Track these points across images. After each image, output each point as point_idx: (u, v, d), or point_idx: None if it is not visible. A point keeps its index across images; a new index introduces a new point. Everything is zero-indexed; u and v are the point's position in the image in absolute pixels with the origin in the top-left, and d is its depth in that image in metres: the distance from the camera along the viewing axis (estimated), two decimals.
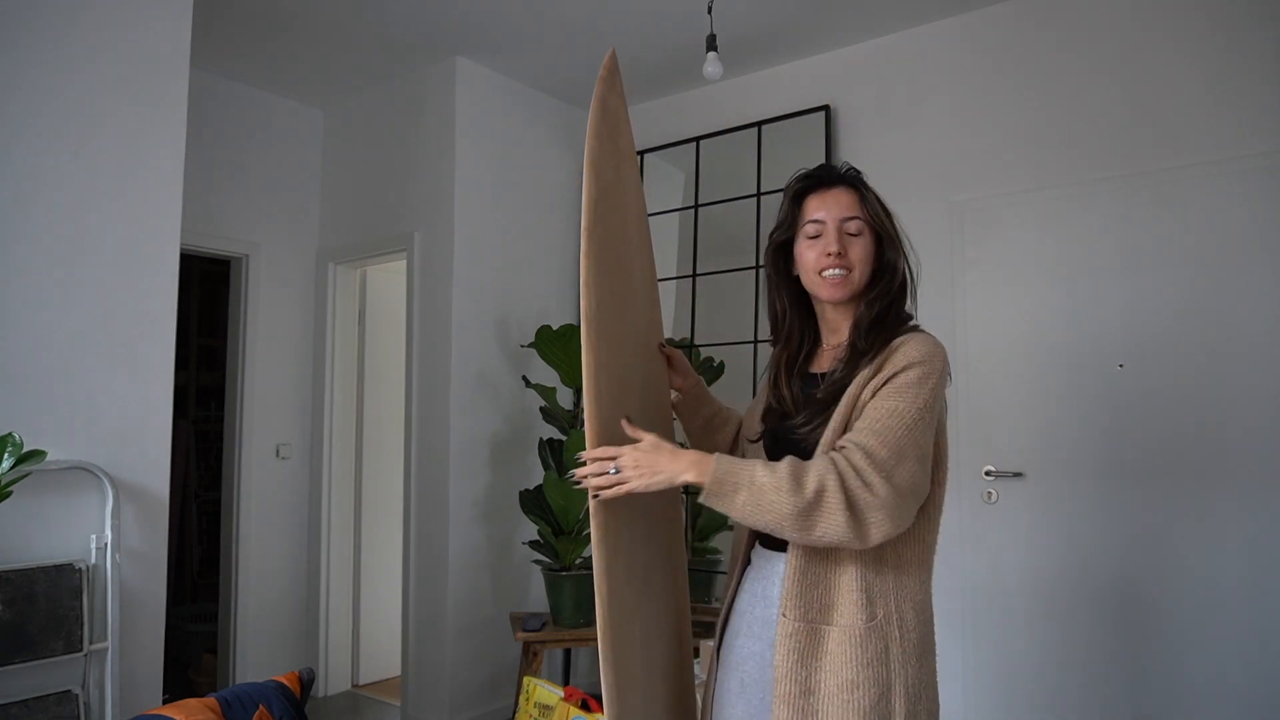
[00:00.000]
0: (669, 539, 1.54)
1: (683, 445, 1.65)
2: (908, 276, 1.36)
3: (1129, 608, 2.69)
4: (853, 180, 1.37)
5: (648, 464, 1.19)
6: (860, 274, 1.33)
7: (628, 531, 1.29)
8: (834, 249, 1.32)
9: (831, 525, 1.13)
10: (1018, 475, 2.91)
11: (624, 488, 1.19)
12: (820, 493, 1.13)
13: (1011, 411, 2.94)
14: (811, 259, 1.34)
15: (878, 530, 1.13)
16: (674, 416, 1.66)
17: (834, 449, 1.21)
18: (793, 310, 1.43)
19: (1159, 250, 2.70)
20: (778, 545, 1.35)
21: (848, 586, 1.21)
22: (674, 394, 1.64)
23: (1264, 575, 2.48)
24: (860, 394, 1.24)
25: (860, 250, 1.33)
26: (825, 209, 1.34)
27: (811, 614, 1.21)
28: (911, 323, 1.35)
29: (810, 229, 1.35)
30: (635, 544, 1.33)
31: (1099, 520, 2.75)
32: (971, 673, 2.95)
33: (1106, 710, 2.69)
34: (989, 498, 2.95)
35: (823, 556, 1.23)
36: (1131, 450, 2.70)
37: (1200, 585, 2.57)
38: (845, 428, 1.24)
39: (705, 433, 1.61)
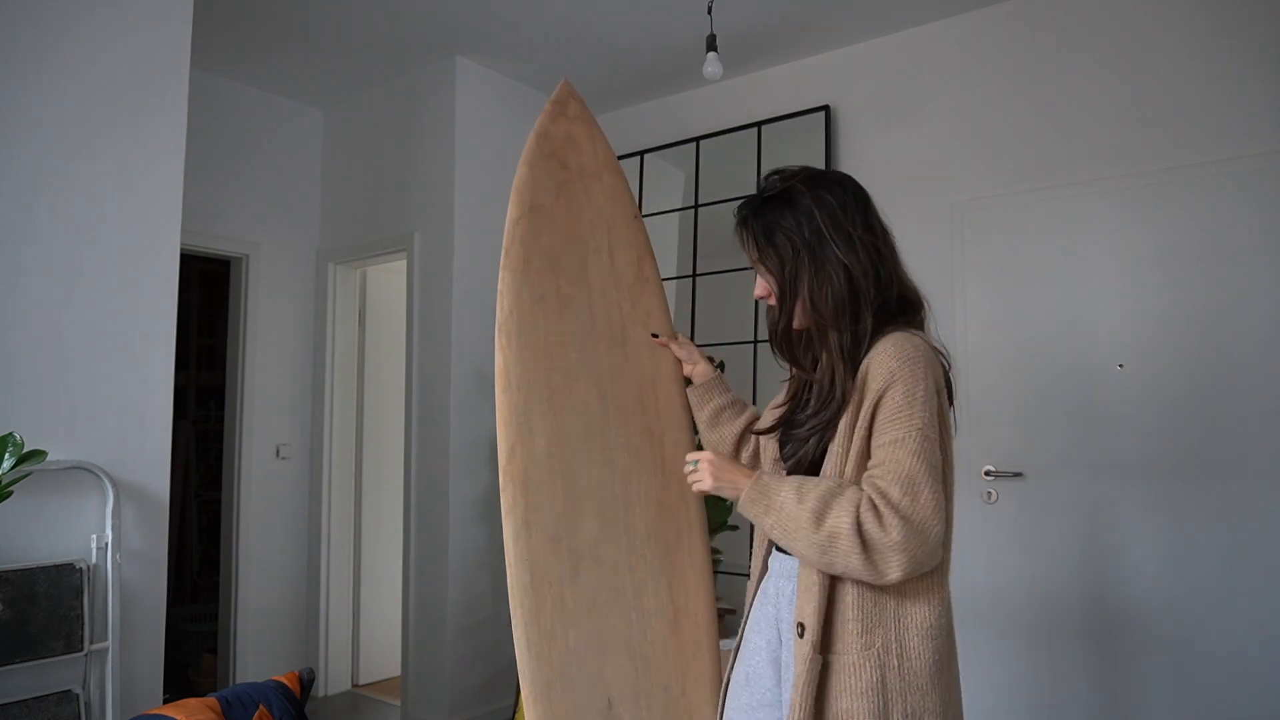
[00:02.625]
0: (650, 518, 1.59)
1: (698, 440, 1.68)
2: (840, 288, 1.25)
3: (1130, 607, 2.69)
4: (744, 223, 1.35)
5: (720, 470, 1.32)
6: (785, 307, 1.32)
7: (551, 507, 1.46)
8: (757, 293, 1.37)
9: (848, 564, 1.14)
10: (1017, 475, 2.91)
11: (699, 485, 1.34)
12: (835, 535, 1.14)
13: (1011, 411, 2.94)
14: None
15: (895, 570, 1.13)
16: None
17: (862, 482, 1.19)
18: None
19: (1159, 250, 2.70)
20: (780, 545, 1.36)
21: (846, 615, 1.20)
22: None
23: (1267, 574, 2.48)
24: (856, 421, 1.21)
25: (771, 288, 1.34)
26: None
27: (825, 644, 1.21)
28: (892, 327, 1.26)
29: None
30: (569, 518, 1.48)
31: (1099, 520, 2.75)
32: (971, 674, 2.95)
33: (1108, 713, 2.69)
34: (989, 498, 2.95)
35: (830, 586, 1.21)
36: (1131, 450, 2.70)
37: (1202, 585, 2.57)
38: (848, 452, 1.22)
39: (712, 424, 1.60)
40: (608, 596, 1.49)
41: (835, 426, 1.24)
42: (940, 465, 1.17)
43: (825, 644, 1.21)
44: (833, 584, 1.21)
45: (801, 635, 1.22)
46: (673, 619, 1.57)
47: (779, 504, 1.21)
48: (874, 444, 1.19)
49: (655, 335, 1.66)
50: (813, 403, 1.30)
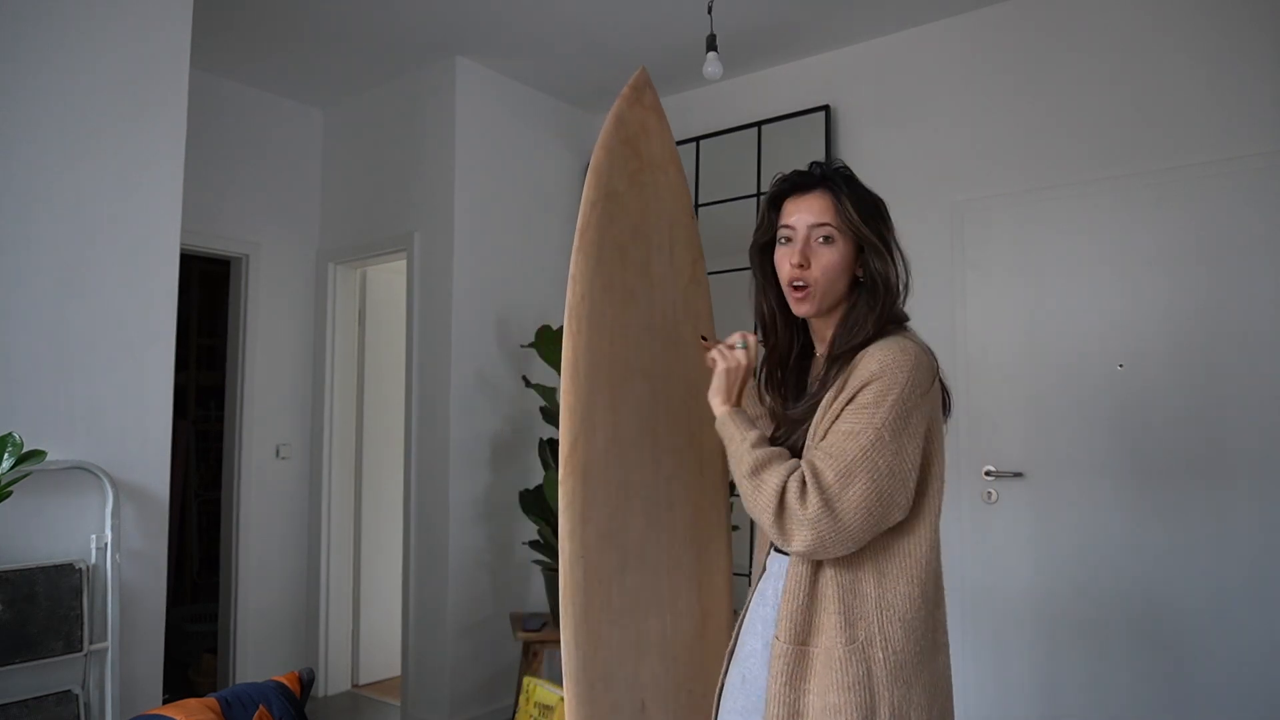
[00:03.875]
0: (688, 519, 1.58)
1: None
2: (895, 282, 1.29)
3: (1130, 608, 2.68)
4: (831, 182, 1.31)
5: (733, 382, 1.37)
6: (826, 286, 1.28)
7: (604, 503, 1.40)
8: (797, 259, 1.28)
9: (763, 518, 1.20)
10: (1018, 475, 2.91)
11: (716, 369, 1.38)
12: (761, 487, 1.20)
13: (1011, 411, 2.94)
14: (783, 270, 1.32)
15: (798, 543, 1.16)
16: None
17: (804, 455, 1.25)
18: (780, 313, 1.40)
19: (1159, 250, 2.70)
20: (778, 547, 1.36)
21: (827, 609, 1.20)
22: None
23: (1267, 575, 2.47)
24: (832, 406, 1.22)
25: (828, 260, 1.28)
26: (798, 215, 1.30)
27: (801, 635, 1.21)
28: (892, 329, 1.28)
29: (783, 234, 1.33)
30: (620, 516, 1.43)
31: (1099, 520, 2.75)
32: (971, 675, 2.95)
33: (1108, 714, 2.69)
34: (989, 498, 2.95)
35: (810, 578, 1.22)
36: (1131, 450, 2.70)
37: (1202, 586, 2.57)
38: (816, 434, 1.25)
39: None
40: (648, 597, 1.47)
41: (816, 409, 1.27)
42: (900, 470, 1.17)
43: (806, 637, 1.21)
44: (815, 577, 1.22)
45: (779, 637, 1.23)
46: (699, 621, 1.57)
47: (739, 438, 1.28)
48: (832, 428, 1.20)
49: (704, 339, 1.64)
50: (816, 386, 1.31)
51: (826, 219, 1.28)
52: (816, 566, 1.22)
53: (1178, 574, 2.61)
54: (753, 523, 1.51)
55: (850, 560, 1.21)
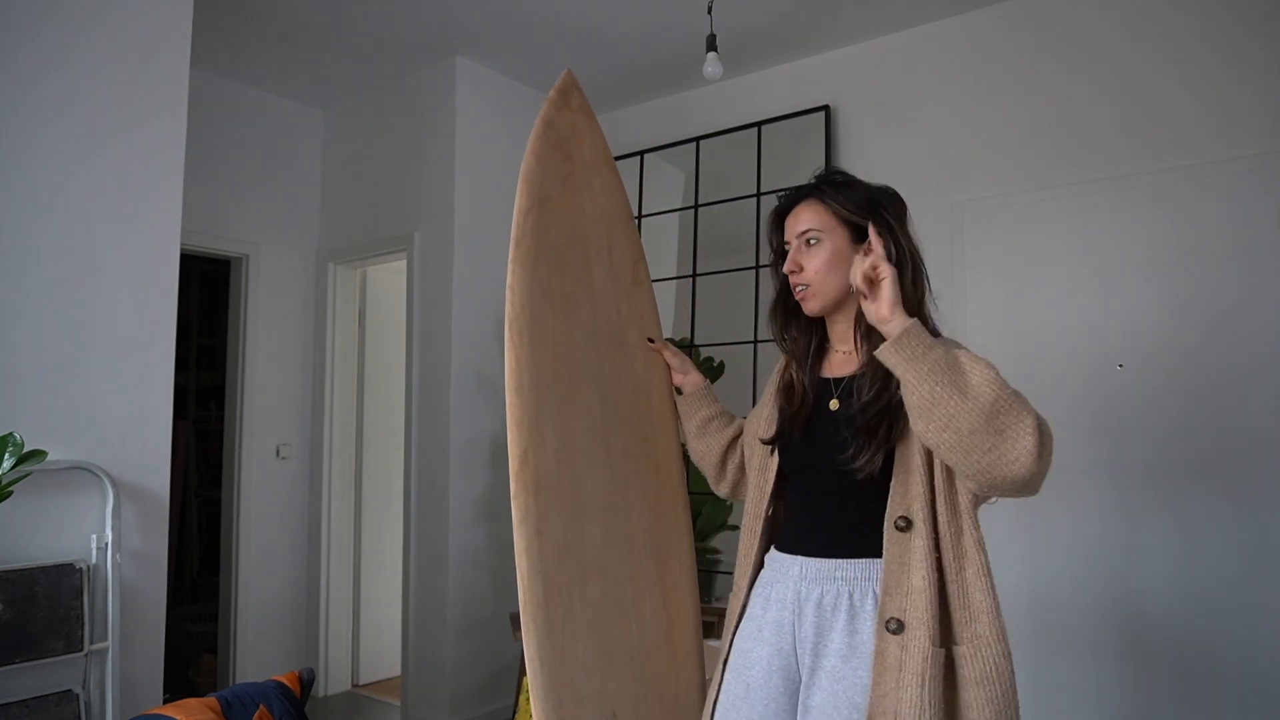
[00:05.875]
0: (646, 524, 1.57)
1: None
2: (907, 263, 1.31)
3: (1129, 609, 2.68)
4: (816, 190, 1.37)
5: (898, 294, 1.22)
6: (819, 283, 1.34)
7: (560, 515, 1.40)
8: (790, 266, 1.37)
9: (1022, 433, 1.14)
10: None
11: (883, 283, 1.21)
12: (1018, 397, 1.16)
13: None
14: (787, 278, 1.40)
15: (1044, 468, 1.17)
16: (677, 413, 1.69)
17: None
18: (794, 318, 1.44)
19: (1158, 250, 2.70)
20: (792, 549, 1.34)
21: (953, 604, 1.22)
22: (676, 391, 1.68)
23: (1266, 577, 2.47)
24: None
25: (817, 259, 1.34)
26: (791, 228, 1.39)
27: (937, 637, 1.20)
28: (931, 327, 1.32)
29: (786, 247, 1.41)
30: (577, 527, 1.42)
31: (1098, 521, 2.75)
32: None
33: (1108, 716, 2.69)
34: (988, 498, 2.95)
35: (937, 579, 1.23)
36: (1131, 451, 2.70)
37: (1200, 587, 2.57)
38: (923, 457, 1.26)
39: (700, 435, 1.61)
40: (611, 607, 1.45)
41: (901, 411, 1.25)
42: None
43: (941, 637, 1.20)
44: (942, 575, 1.24)
45: (896, 630, 1.19)
46: (666, 627, 1.54)
47: (945, 349, 1.21)
48: None
49: (651, 340, 1.66)
50: (867, 392, 1.28)
51: (809, 224, 1.36)
52: (939, 568, 1.25)
53: (1179, 574, 2.61)
54: (742, 520, 1.49)
55: (963, 555, 1.27)
